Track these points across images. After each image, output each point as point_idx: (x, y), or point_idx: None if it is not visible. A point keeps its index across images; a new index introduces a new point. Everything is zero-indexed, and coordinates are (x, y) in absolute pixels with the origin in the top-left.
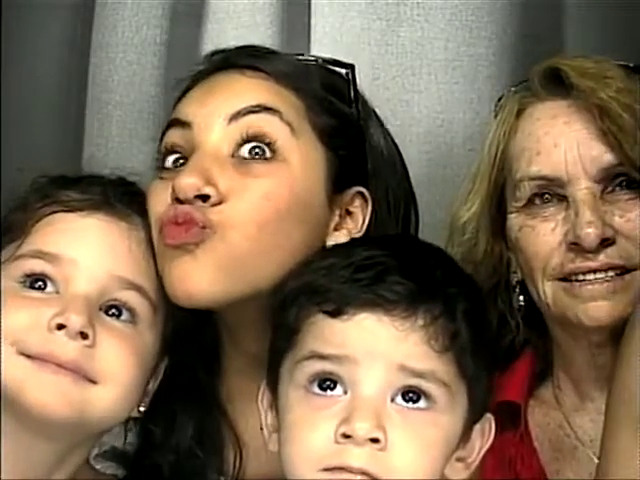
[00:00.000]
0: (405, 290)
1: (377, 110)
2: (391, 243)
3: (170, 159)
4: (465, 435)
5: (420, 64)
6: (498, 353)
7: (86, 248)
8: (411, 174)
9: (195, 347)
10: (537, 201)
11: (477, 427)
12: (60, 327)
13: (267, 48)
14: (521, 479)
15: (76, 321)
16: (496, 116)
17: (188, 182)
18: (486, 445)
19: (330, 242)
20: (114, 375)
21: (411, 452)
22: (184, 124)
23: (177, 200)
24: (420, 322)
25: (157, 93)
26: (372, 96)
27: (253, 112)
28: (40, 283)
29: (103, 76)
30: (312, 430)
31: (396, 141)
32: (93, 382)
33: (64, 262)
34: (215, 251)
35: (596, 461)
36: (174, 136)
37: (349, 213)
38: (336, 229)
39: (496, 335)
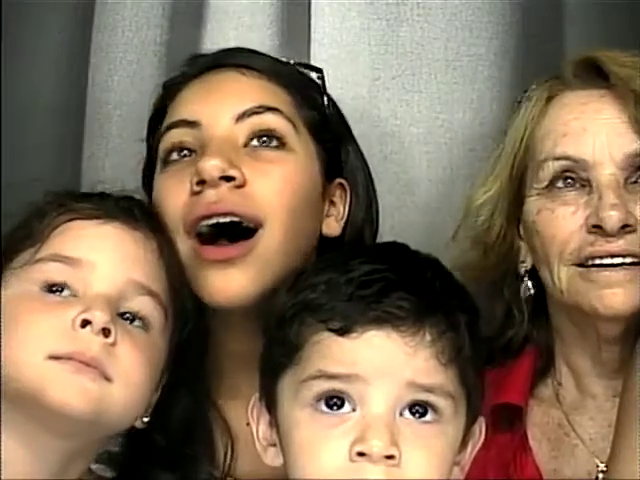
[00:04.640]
0: (411, 305)
1: (377, 110)
2: (386, 254)
3: (175, 154)
4: (464, 440)
5: (420, 64)
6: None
7: (104, 253)
8: (411, 174)
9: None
10: (559, 184)
11: (471, 431)
12: (84, 324)
13: (246, 48)
14: (515, 479)
15: (101, 317)
16: (521, 104)
17: (213, 164)
18: (477, 446)
19: (325, 229)
20: (128, 375)
21: (423, 465)
22: (191, 123)
23: (199, 183)
24: (428, 337)
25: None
26: (372, 96)
27: (257, 113)
28: (57, 287)
29: (103, 76)
30: (325, 449)
31: (396, 141)
32: (109, 380)
33: (83, 265)
34: (257, 255)
35: (595, 460)
36: (181, 135)
37: (332, 203)
38: (327, 216)
39: (499, 329)
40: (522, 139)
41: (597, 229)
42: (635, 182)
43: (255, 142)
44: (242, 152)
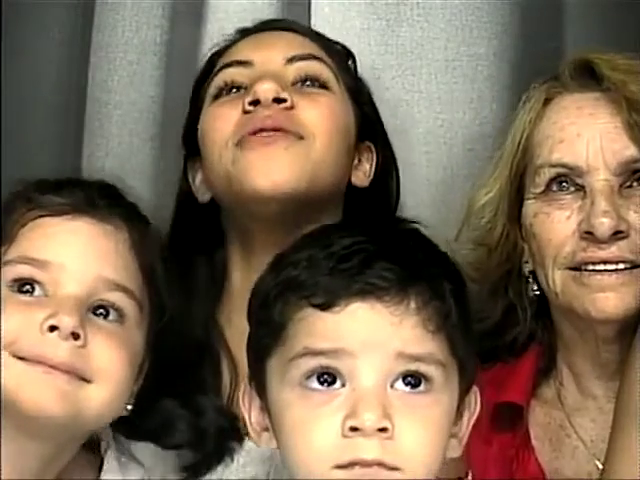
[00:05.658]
0: (393, 275)
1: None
2: (366, 227)
3: (225, 91)
4: (458, 411)
5: (420, 64)
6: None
7: (73, 252)
8: (411, 174)
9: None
10: (555, 188)
11: (465, 401)
12: (52, 329)
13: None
14: (518, 479)
15: (68, 322)
16: (523, 105)
17: (268, 86)
18: (473, 417)
19: (354, 179)
20: (107, 373)
21: (418, 436)
22: (244, 63)
23: (251, 104)
24: (413, 305)
25: (157, 93)
26: (372, 96)
27: (305, 59)
28: (28, 287)
29: (103, 76)
30: (317, 427)
31: (396, 141)
32: (87, 381)
33: (52, 267)
34: (298, 154)
35: (595, 461)
36: (233, 74)
37: (359, 160)
38: (356, 168)
39: (502, 327)
40: (520, 142)
41: (589, 235)
42: (629, 187)
43: (301, 84)
44: (290, 88)
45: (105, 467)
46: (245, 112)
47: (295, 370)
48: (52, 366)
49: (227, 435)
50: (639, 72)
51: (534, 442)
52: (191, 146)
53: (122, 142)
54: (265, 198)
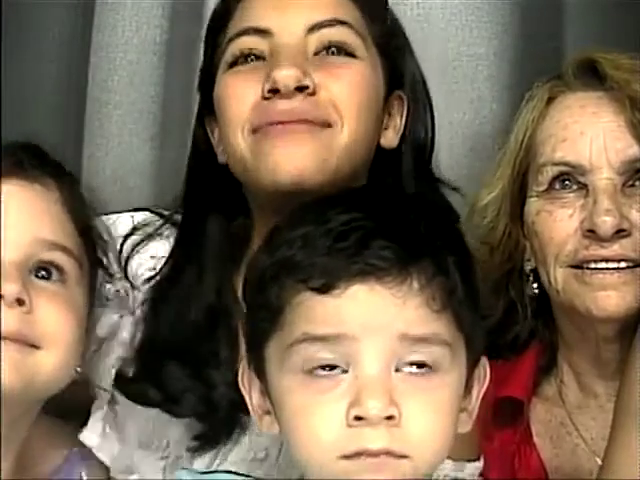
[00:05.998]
0: (393, 253)
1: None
2: (365, 200)
3: (242, 59)
4: (467, 385)
5: (420, 64)
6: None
7: (5, 215)
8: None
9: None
10: (557, 186)
11: (474, 374)
12: None
13: None
14: (520, 476)
15: (11, 289)
16: (526, 104)
17: (289, 74)
18: (482, 390)
19: (382, 140)
20: (55, 337)
21: (426, 420)
22: (263, 31)
23: (271, 91)
24: (416, 285)
25: (157, 93)
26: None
27: (330, 25)
28: None
29: (103, 76)
30: (320, 416)
31: None
32: (37, 347)
33: None
34: (323, 145)
35: (596, 459)
36: (250, 42)
37: (390, 115)
38: (385, 128)
39: (504, 325)
40: (523, 140)
41: (591, 233)
42: (632, 186)
43: (324, 52)
44: (312, 60)
45: (88, 426)
46: (264, 98)
47: (295, 356)
48: (3, 337)
49: (238, 409)
50: None
51: (535, 439)
52: (207, 102)
53: (122, 142)
54: (286, 193)
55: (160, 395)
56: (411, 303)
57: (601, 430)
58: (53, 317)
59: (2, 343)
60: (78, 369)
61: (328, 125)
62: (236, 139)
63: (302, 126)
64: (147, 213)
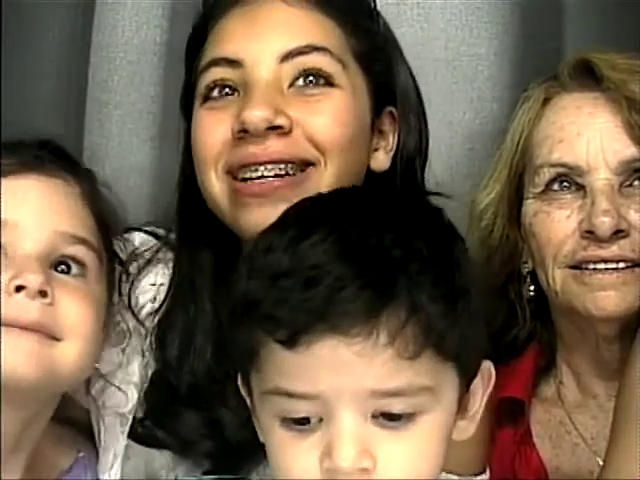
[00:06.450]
0: (362, 306)
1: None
2: (335, 225)
3: (216, 91)
4: (462, 402)
5: (420, 64)
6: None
7: (26, 209)
8: None
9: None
10: (555, 187)
11: (476, 380)
12: (19, 289)
13: None
14: (521, 476)
15: (34, 280)
16: (522, 105)
17: (259, 114)
18: (488, 391)
19: (371, 163)
20: (76, 330)
21: (405, 467)
22: (234, 62)
23: (242, 132)
24: (383, 338)
25: (157, 93)
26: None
27: (304, 53)
28: None
29: (103, 76)
30: (297, 463)
31: None
32: (57, 339)
33: (7, 226)
34: (305, 190)
35: (596, 459)
36: (222, 73)
37: (381, 133)
38: (375, 149)
39: (503, 328)
40: (519, 142)
41: (590, 234)
42: (630, 186)
43: (301, 82)
44: (287, 93)
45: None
46: (236, 138)
47: (269, 404)
48: (23, 327)
49: (249, 446)
50: (639, 72)
51: (535, 440)
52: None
53: (122, 142)
54: None
55: (171, 439)
56: (379, 359)
57: (601, 429)
58: (74, 310)
59: (23, 334)
60: (96, 364)
61: (310, 164)
62: (210, 180)
63: (279, 182)
64: (142, 234)
